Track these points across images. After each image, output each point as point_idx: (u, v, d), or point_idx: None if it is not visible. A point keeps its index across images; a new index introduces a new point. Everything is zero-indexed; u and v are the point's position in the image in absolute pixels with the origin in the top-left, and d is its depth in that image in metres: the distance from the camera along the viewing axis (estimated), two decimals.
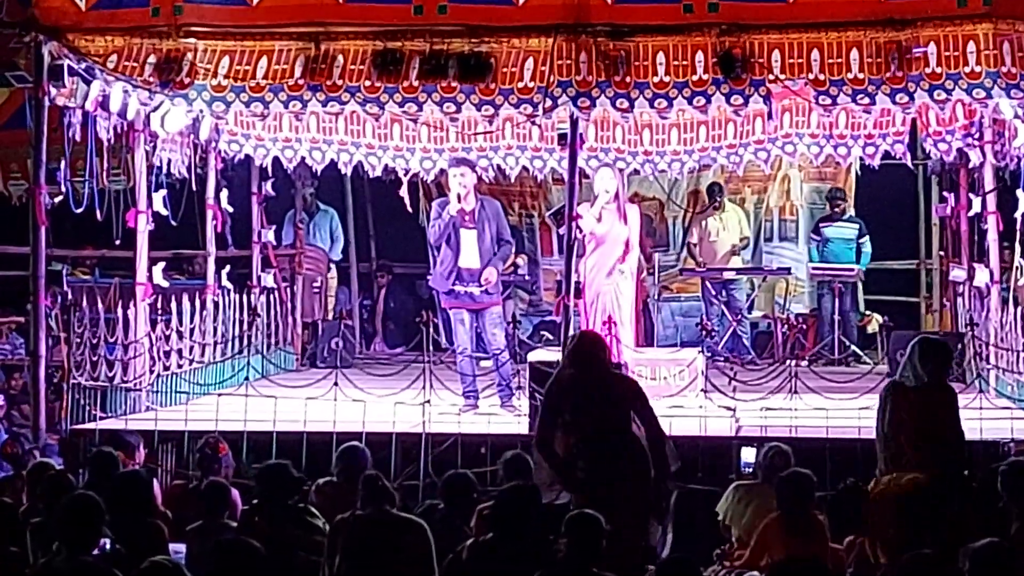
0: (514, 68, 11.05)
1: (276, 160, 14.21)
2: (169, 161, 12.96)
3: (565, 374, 8.44)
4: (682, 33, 10.94)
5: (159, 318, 12.44)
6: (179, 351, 12.67)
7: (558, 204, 15.18)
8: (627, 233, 12.07)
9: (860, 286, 16.47)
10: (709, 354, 13.23)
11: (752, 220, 17.10)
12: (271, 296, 15.15)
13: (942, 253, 16.46)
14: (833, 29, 10.85)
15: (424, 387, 10.92)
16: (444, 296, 12.15)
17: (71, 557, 6.42)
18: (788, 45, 10.90)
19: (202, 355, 13.11)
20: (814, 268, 16.26)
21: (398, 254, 17.87)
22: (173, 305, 12.61)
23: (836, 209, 16.25)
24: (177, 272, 14.80)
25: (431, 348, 11.27)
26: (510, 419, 11.39)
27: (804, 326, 16.37)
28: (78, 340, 11.33)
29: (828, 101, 10.95)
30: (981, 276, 13.30)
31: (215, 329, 13.42)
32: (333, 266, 17.26)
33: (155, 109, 11.89)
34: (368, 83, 11.12)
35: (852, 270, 15.89)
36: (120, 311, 12.00)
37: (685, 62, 10.92)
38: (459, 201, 11.77)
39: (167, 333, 12.47)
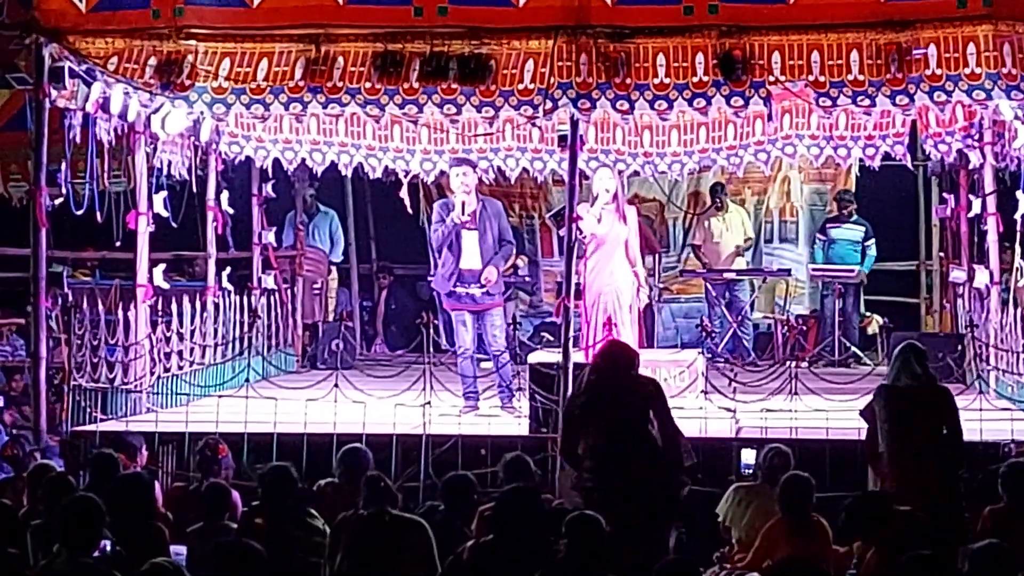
0: (514, 70, 11.03)
1: (276, 162, 14.20)
2: (170, 163, 12.97)
3: (586, 380, 8.49)
4: (682, 35, 10.92)
5: (160, 320, 12.44)
6: (180, 353, 12.67)
7: (558, 205, 15.19)
8: (627, 233, 12.06)
9: (862, 288, 16.48)
10: (709, 355, 13.23)
11: (752, 221, 17.09)
12: (271, 298, 15.15)
13: (942, 254, 16.46)
14: (833, 31, 10.83)
15: (424, 388, 10.92)
16: (445, 298, 12.15)
17: (72, 559, 6.43)
18: (788, 47, 10.88)
19: (203, 357, 13.11)
20: (814, 269, 16.25)
21: (398, 255, 17.86)
22: (174, 307, 12.62)
23: (844, 211, 16.20)
24: (178, 274, 14.81)
25: (431, 349, 11.26)
26: (510, 420, 11.40)
27: (804, 327, 16.36)
28: (79, 342, 11.33)
29: (828, 103, 10.92)
30: (981, 277, 13.31)
31: (215, 331, 13.42)
32: (334, 268, 17.26)
33: (156, 111, 11.87)
34: (368, 85, 11.11)
35: (852, 271, 15.87)
36: (121, 313, 12.00)
37: (685, 64, 10.91)
38: (463, 209, 11.77)
39: (168, 335, 12.47)
